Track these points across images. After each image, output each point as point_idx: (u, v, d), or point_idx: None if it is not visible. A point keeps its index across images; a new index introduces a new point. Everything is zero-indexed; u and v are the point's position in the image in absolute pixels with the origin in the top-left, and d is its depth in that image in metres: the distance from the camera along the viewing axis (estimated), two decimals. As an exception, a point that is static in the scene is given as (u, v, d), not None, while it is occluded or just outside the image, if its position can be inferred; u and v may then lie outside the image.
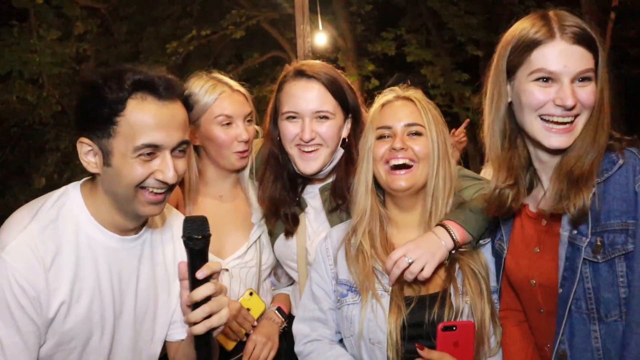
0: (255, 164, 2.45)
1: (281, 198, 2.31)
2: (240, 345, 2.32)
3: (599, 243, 1.56)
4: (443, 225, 1.92)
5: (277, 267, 2.51)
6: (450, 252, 1.92)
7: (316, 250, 2.15)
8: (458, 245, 1.91)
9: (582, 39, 1.58)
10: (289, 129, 2.22)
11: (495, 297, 1.95)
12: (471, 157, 10.73)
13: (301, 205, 2.34)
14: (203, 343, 1.61)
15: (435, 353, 1.80)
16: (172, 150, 1.69)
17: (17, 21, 10.21)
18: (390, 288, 1.90)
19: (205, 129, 2.29)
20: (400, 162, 1.93)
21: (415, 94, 2.05)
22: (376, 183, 2.02)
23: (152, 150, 1.65)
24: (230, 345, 2.28)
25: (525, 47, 1.63)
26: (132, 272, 1.82)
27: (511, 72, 1.68)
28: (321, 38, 9.61)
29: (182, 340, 1.94)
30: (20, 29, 10.14)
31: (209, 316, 1.57)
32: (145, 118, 1.63)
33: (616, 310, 1.56)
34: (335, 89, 2.22)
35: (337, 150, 2.27)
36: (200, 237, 1.55)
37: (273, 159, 2.33)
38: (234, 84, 2.37)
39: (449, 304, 1.85)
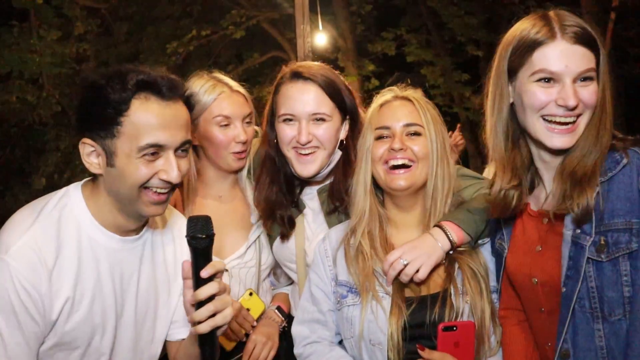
0: (253, 164, 2.44)
1: (277, 201, 2.29)
2: (240, 346, 2.32)
3: (602, 242, 1.56)
4: (440, 227, 1.92)
5: (276, 267, 2.51)
6: (447, 253, 1.92)
7: (315, 251, 2.14)
8: (455, 246, 1.91)
9: (583, 39, 1.58)
10: (286, 132, 2.20)
11: (495, 296, 1.95)
12: (471, 157, 10.74)
13: (299, 207, 2.33)
14: (207, 342, 1.62)
15: (436, 353, 1.80)
16: (176, 150, 1.69)
17: (17, 21, 10.22)
18: (391, 289, 1.90)
19: (204, 128, 2.29)
20: (400, 162, 1.93)
21: (414, 93, 2.04)
22: (375, 183, 2.02)
23: (156, 150, 1.65)
24: (229, 346, 2.28)
25: (526, 48, 1.62)
26: (133, 272, 1.82)
27: (512, 73, 1.68)
28: (321, 38, 9.61)
29: (183, 339, 1.94)
30: (21, 29, 10.16)
31: (213, 315, 1.58)
32: (149, 118, 1.63)
33: (620, 309, 1.56)
34: (332, 91, 2.20)
35: (334, 152, 2.26)
36: (204, 236, 1.57)
37: (269, 162, 2.31)
38: (234, 85, 2.36)
39: (449, 303, 1.85)
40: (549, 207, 1.69)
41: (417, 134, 1.96)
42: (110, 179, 1.68)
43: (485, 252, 2.00)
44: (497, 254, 1.91)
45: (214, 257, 1.64)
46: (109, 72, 1.66)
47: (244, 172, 2.45)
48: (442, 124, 2.02)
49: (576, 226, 1.61)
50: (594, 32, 1.61)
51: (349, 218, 2.11)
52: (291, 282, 2.49)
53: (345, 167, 2.23)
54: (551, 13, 1.64)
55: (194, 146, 2.34)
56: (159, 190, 1.69)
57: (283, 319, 2.41)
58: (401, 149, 1.92)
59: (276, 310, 2.43)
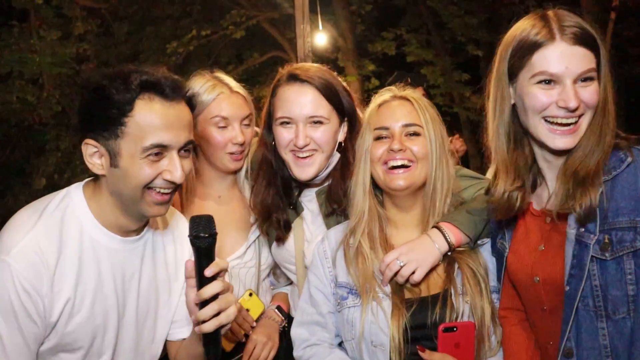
0: (252, 165, 2.43)
1: (273, 204, 2.28)
2: (239, 346, 2.32)
3: (607, 240, 1.56)
4: (438, 228, 1.92)
5: (276, 266, 2.51)
6: (445, 255, 1.92)
7: (313, 252, 2.13)
8: (453, 248, 1.91)
9: (582, 39, 1.58)
10: (283, 135, 2.19)
11: (495, 296, 1.95)
12: (471, 157, 10.72)
13: (297, 209, 2.32)
14: (211, 341, 1.63)
15: (437, 355, 1.80)
16: (179, 150, 1.69)
17: (17, 21, 10.22)
18: (391, 291, 1.89)
19: (201, 128, 2.28)
20: (399, 163, 1.92)
21: (412, 93, 2.03)
22: (374, 183, 2.02)
23: (160, 150, 1.65)
24: (229, 346, 2.28)
25: (526, 50, 1.62)
26: (134, 272, 1.82)
27: (513, 75, 1.68)
28: (321, 38, 9.60)
29: (184, 339, 1.94)
30: (21, 29, 10.15)
31: (217, 314, 1.59)
32: (153, 119, 1.63)
33: (624, 307, 1.56)
34: (330, 93, 2.18)
35: (333, 154, 2.25)
36: (207, 235, 1.58)
37: (266, 165, 2.30)
38: (234, 85, 2.36)
39: (450, 304, 1.85)
40: (552, 207, 1.69)
41: (416, 134, 1.95)
42: (114, 179, 1.68)
43: (485, 252, 2.00)
44: (498, 253, 1.91)
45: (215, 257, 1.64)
46: (111, 73, 1.66)
47: (243, 172, 2.45)
48: (441, 123, 2.01)
49: (580, 225, 1.61)
50: (594, 31, 1.61)
51: (347, 219, 2.11)
52: (291, 282, 2.49)
53: (344, 169, 2.22)
54: (550, 13, 1.64)
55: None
56: (162, 191, 1.70)
57: (283, 318, 2.41)
58: (400, 150, 1.91)
59: (276, 310, 2.43)
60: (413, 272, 1.86)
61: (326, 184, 2.30)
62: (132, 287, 1.82)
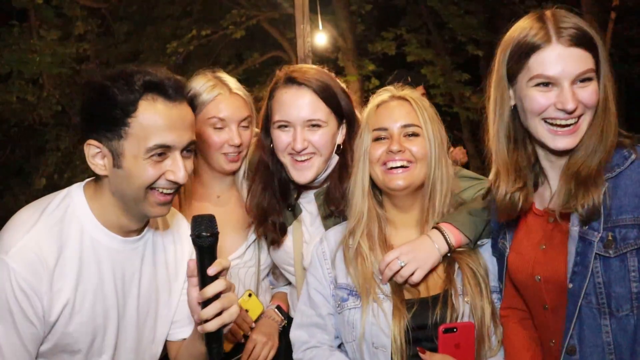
0: (249, 166, 2.43)
1: (269, 207, 2.27)
2: (238, 347, 2.32)
3: (610, 238, 1.57)
4: (438, 229, 1.92)
5: (275, 266, 2.50)
6: (445, 255, 1.92)
7: (312, 253, 2.12)
8: (453, 249, 1.91)
9: (579, 40, 1.58)
10: (281, 138, 2.17)
11: (495, 296, 1.95)
12: (471, 157, 10.72)
13: (295, 212, 2.31)
14: (214, 340, 1.64)
15: (437, 356, 1.80)
16: (182, 151, 1.70)
17: (17, 21, 10.21)
18: (391, 292, 1.89)
19: (199, 128, 2.28)
20: (398, 164, 1.92)
21: (411, 93, 2.02)
22: (373, 183, 2.01)
23: (163, 150, 1.66)
24: (227, 347, 2.28)
25: (523, 53, 1.63)
26: (134, 272, 1.82)
27: (512, 77, 1.68)
28: (321, 38, 9.59)
29: (184, 339, 1.94)
30: (21, 29, 10.14)
31: (220, 313, 1.59)
32: (156, 119, 1.64)
33: (628, 304, 1.56)
34: (328, 96, 2.16)
35: (331, 157, 2.23)
36: (209, 234, 1.59)
37: (263, 168, 2.29)
38: (235, 87, 2.34)
39: (450, 304, 1.85)
40: (555, 207, 1.70)
41: (415, 134, 1.95)
42: (117, 180, 1.68)
43: (485, 252, 2.00)
44: (500, 253, 1.91)
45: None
46: (114, 73, 1.67)
47: (241, 173, 2.44)
48: (439, 123, 2.01)
49: (583, 223, 1.62)
50: (592, 31, 1.61)
51: (346, 220, 2.10)
52: (290, 282, 2.49)
53: (342, 171, 2.21)
54: (548, 13, 1.64)
55: None
56: (165, 191, 1.70)
57: (282, 318, 2.41)
58: (399, 151, 1.91)
59: (276, 310, 2.43)
60: (412, 273, 1.86)
61: (325, 185, 2.29)
62: (132, 287, 1.82)
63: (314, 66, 2.29)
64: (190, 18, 11.39)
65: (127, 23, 11.64)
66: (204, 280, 1.60)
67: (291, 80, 2.16)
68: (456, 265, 1.94)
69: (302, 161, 2.17)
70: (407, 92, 2.03)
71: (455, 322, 1.84)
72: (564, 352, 1.66)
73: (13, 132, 11.24)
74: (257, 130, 2.42)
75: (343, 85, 2.29)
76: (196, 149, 2.36)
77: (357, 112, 2.26)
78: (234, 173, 2.44)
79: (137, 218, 1.78)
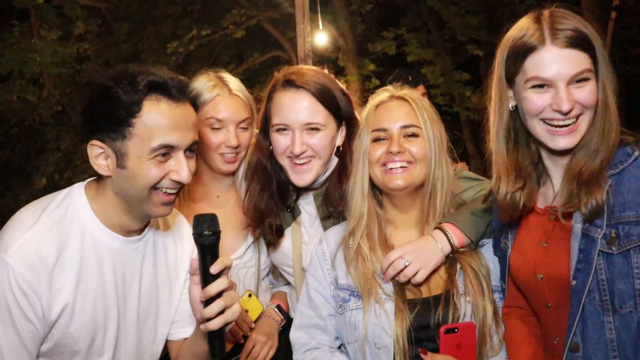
0: (249, 166, 2.41)
1: (267, 208, 2.26)
2: (237, 347, 2.32)
3: (613, 235, 1.57)
4: (441, 229, 1.92)
5: (275, 266, 2.50)
6: (447, 256, 1.92)
7: (311, 254, 2.11)
8: (455, 249, 1.91)
9: (574, 41, 1.59)
10: (280, 141, 2.16)
11: (496, 295, 1.95)
12: (471, 157, 10.72)
13: (294, 213, 2.31)
14: (216, 338, 1.65)
15: (439, 356, 1.80)
16: (185, 151, 1.70)
17: (18, 21, 10.21)
18: (393, 292, 1.89)
19: (198, 127, 2.27)
20: (398, 165, 1.91)
21: (410, 93, 2.01)
22: (372, 183, 2.00)
23: (167, 150, 1.66)
24: (227, 347, 2.28)
25: (519, 55, 1.64)
26: (135, 272, 1.82)
27: (510, 79, 1.70)
28: (321, 38, 9.58)
29: (185, 339, 1.95)
30: (21, 28, 10.14)
31: (222, 311, 1.60)
32: (160, 119, 1.64)
33: (631, 301, 1.57)
34: (326, 98, 2.14)
35: (331, 159, 2.22)
36: (211, 233, 1.60)
37: (261, 169, 2.28)
38: (235, 87, 2.33)
39: (452, 304, 1.85)
40: (557, 204, 1.71)
41: (414, 135, 1.94)
42: (121, 180, 1.69)
43: (486, 252, 2.00)
44: (502, 253, 1.91)
45: None
46: (116, 74, 1.67)
47: (240, 173, 2.44)
48: (439, 122, 2.00)
49: (586, 222, 1.62)
50: (590, 31, 1.61)
51: (345, 221, 2.09)
52: (289, 282, 2.49)
53: (341, 173, 2.20)
54: (545, 13, 1.65)
55: None
56: (168, 191, 1.71)
57: (282, 317, 2.41)
58: (399, 152, 1.90)
59: (276, 309, 2.43)
60: (416, 273, 1.86)
61: (324, 187, 2.28)
62: (133, 287, 1.82)
63: (312, 67, 2.27)
64: (190, 18, 11.39)
65: (127, 23, 11.63)
66: (206, 278, 1.61)
67: (289, 83, 2.14)
68: (458, 265, 1.93)
69: (301, 164, 2.16)
70: (407, 92, 2.02)
71: (457, 322, 1.84)
72: (567, 349, 1.66)
73: (13, 132, 11.24)
74: (257, 131, 2.42)
75: (343, 86, 2.27)
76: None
77: (356, 113, 2.24)
78: (233, 174, 2.43)
79: (139, 218, 1.78)
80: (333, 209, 2.19)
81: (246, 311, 2.32)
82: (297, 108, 2.12)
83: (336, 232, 2.10)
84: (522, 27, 1.66)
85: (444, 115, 2.11)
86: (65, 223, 1.71)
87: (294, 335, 2.08)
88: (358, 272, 1.94)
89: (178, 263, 1.95)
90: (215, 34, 11.16)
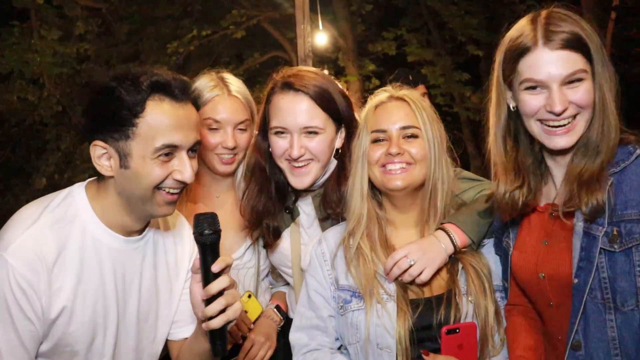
0: (248, 167, 2.40)
1: (265, 210, 2.25)
2: (236, 348, 2.31)
3: (615, 233, 1.58)
4: (444, 229, 1.92)
5: (274, 266, 2.49)
6: (450, 256, 1.92)
7: (311, 254, 2.10)
8: (458, 250, 1.91)
9: (567, 43, 1.60)
10: (278, 144, 2.15)
11: (497, 295, 1.95)
12: (472, 157, 10.72)
13: (293, 214, 2.30)
14: (218, 337, 1.65)
15: (441, 357, 1.80)
16: (188, 150, 1.71)
17: (18, 21, 10.21)
18: (394, 291, 1.89)
19: None
20: (397, 166, 1.91)
21: (409, 93, 2.00)
22: (372, 183, 2.00)
23: (171, 150, 1.67)
24: None
25: (514, 57, 1.66)
26: (135, 272, 1.83)
27: (507, 79, 1.71)
28: (322, 38, 9.59)
29: (186, 338, 1.95)
30: (21, 29, 10.15)
31: (224, 310, 1.61)
32: (163, 119, 1.65)
33: (633, 299, 1.57)
34: (325, 101, 2.12)
35: (330, 162, 2.21)
36: (211, 231, 1.60)
37: (259, 171, 2.26)
38: (235, 89, 2.32)
39: (455, 304, 1.85)
40: (559, 203, 1.71)
41: (414, 136, 1.93)
42: (124, 180, 1.69)
43: (486, 252, 2.00)
44: (504, 252, 1.92)
45: None
46: (119, 74, 1.68)
47: (239, 174, 2.43)
48: (439, 122, 1.99)
49: (587, 222, 1.63)
50: (585, 31, 1.62)
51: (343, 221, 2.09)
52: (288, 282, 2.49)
53: (340, 175, 2.18)
54: (542, 14, 1.66)
55: None
56: (171, 191, 1.71)
57: (281, 318, 2.41)
58: (398, 154, 1.90)
59: (275, 310, 2.42)
60: (420, 272, 1.86)
61: (323, 188, 2.27)
62: (133, 286, 1.82)
63: (312, 69, 2.25)
64: (190, 18, 11.39)
65: (127, 23, 11.64)
66: (207, 277, 1.61)
67: (288, 86, 2.12)
68: (459, 265, 1.93)
69: (299, 167, 2.14)
70: (406, 92, 2.01)
71: (458, 322, 1.84)
72: (569, 347, 1.67)
73: (14, 132, 11.25)
74: (256, 132, 2.42)
75: (342, 87, 2.25)
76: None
77: (356, 114, 2.23)
78: (231, 174, 2.43)
79: (141, 218, 1.78)
80: (331, 211, 2.18)
81: (245, 312, 2.32)
82: (296, 111, 2.10)
83: (335, 232, 2.09)
84: (518, 28, 1.68)
85: (444, 115, 2.11)
86: (66, 222, 1.71)
87: (294, 336, 2.06)
88: (359, 272, 1.93)
89: (178, 263, 1.96)
90: (215, 34, 11.17)
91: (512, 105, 1.74)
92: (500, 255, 1.97)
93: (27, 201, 1.84)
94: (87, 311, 1.72)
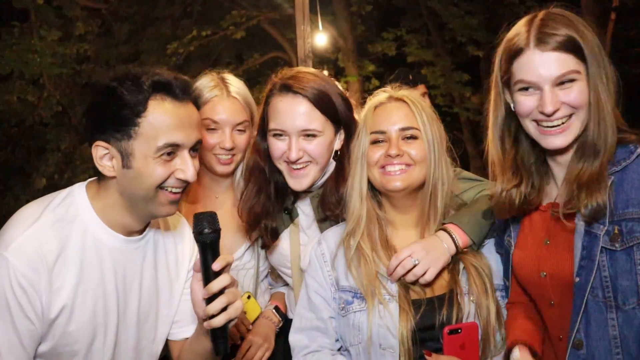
0: (247, 167, 2.39)
1: (263, 211, 2.24)
2: (234, 349, 2.31)
3: (616, 231, 1.58)
4: (446, 230, 1.92)
5: (273, 267, 2.49)
6: (452, 257, 1.92)
7: (310, 255, 2.09)
8: (459, 250, 1.91)
9: (559, 45, 1.61)
10: (277, 146, 2.14)
11: (498, 294, 1.95)
12: (472, 158, 10.72)
13: (292, 215, 2.30)
14: (220, 335, 1.66)
15: (443, 357, 1.80)
16: (189, 150, 1.72)
17: (18, 21, 10.20)
18: (396, 292, 1.88)
19: None
20: (397, 168, 1.91)
21: (409, 94, 2.00)
22: (371, 184, 1.99)
23: (173, 149, 1.68)
24: None
25: (508, 58, 1.69)
26: (136, 272, 1.83)
27: (505, 80, 1.73)
28: (321, 38, 9.59)
29: (186, 338, 1.95)
30: (21, 29, 10.14)
31: (225, 308, 1.61)
32: (165, 119, 1.65)
33: (634, 298, 1.57)
34: (324, 104, 2.11)
35: (329, 163, 2.21)
36: (211, 230, 1.61)
37: (258, 171, 2.25)
38: (234, 90, 2.32)
39: (457, 304, 1.85)
40: (560, 202, 1.72)
41: (413, 137, 1.93)
42: (126, 180, 1.69)
43: (486, 251, 2.00)
44: (505, 251, 1.92)
45: None
46: (120, 75, 1.68)
47: (238, 174, 2.43)
48: (438, 122, 1.99)
49: (587, 223, 1.63)
50: (578, 32, 1.63)
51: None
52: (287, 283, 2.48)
53: (338, 176, 2.18)
54: (539, 16, 1.68)
55: None
56: (174, 190, 1.72)
57: (280, 319, 2.41)
58: (398, 155, 1.90)
59: (273, 310, 2.42)
60: (424, 272, 1.86)
61: (321, 189, 2.26)
62: (133, 286, 1.82)
63: (311, 71, 2.23)
64: (190, 19, 11.40)
65: (127, 24, 11.64)
66: (208, 276, 1.62)
67: (286, 88, 2.11)
68: (460, 265, 1.93)
69: (298, 169, 2.14)
70: (405, 93, 2.01)
71: (460, 322, 1.84)
72: (570, 346, 1.67)
73: (14, 132, 11.24)
74: (256, 133, 2.41)
75: (342, 88, 2.24)
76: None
77: (356, 115, 2.22)
78: (230, 175, 2.42)
79: (143, 218, 1.79)
80: (330, 213, 2.18)
81: (244, 313, 2.32)
82: (294, 114, 2.09)
83: (335, 232, 2.09)
84: (515, 29, 1.70)
85: (443, 116, 2.12)
86: (67, 222, 1.71)
87: (294, 338, 2.05)
88: (360, 272, 1.93)
89: (179, 263, 1.96)
90: (215, 35, 11.17)
91: (513, 105, 1.75)
92: (501, 254, 1.97)
93: (27, 201, 1.85)
94: (87, 311, 1.72)
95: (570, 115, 1.64)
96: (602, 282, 1.60)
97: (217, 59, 11.50)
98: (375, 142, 1.95)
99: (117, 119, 1.65)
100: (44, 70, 10.04)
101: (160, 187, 1.69)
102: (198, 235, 1.62)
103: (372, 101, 2.03)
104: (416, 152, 1.92)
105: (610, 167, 1.63)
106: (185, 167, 1.70)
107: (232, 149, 2.30)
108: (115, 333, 1.80)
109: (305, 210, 2.30)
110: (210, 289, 1.61)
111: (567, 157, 1.71)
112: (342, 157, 2.20)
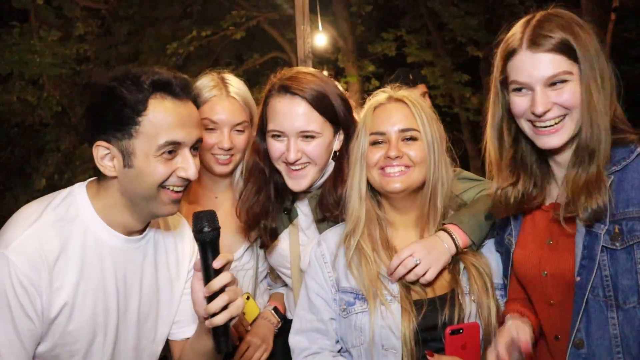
0: (246, 167, 2.39)
1: (262, 211, 2.24)
2: (234, 349, 2.31)
3: (617, 231, 1.59)
4: (446, 230, 1.92)
5: (272, 268, 2.49)
6: (452, 257, 1.92)
7: (310, 256, 2.09)
8: (460, 250, 1.92)
9: (551, 46, 1.62)
10: (275, 147, 2.14)
11: (498, 293, 1.95)
12: (471, 158, 10.73)
13: (291, 215, 2.29)
14: (221, 333, 1.66)
15: (445, 357, 1.80)
16: (190, 148, 1.72)
17: (18, 22, 10.20)
18: (398, 292, 1.88)
19: None
20: (396, 169, 1.91)
21: (409, 94, 1.99)
22: (370, 185, 1.99)
23: (174, 148, 1.68)
24: None
25: (504, 59, 1.71)
26: (136, 272, 1.83)
27: (502, 82, 1.75)
28: (321, 39, 9.59)
29: (187, 338, 1.95)
30: (21, 29, 10.14)
31: (226, 306, 1.62)
32: (166, 117, 1.66)
33: (635, 297, 1.58)
34: (323, 105, 2.10)
35: (328, 164, 2.20)
36: (211, 229, 1.62)
37: (257, 172, 2.25)
38: (234, 90, 2.31)
39: (458, 304, 1.85)
40: (561, 202, 1.72)
41: (413, 138, 1.93)
42: (127, 180, 1.69)
43: (486, 251, 2.00)
44: (505, 249, 1.92)
45: None
46: (119, 74, 1.68)
47: (238, 174, 2.42)
48: (438, 122, 1.99)
49: (587, 225, 1.64)
50: (572, 33, 1.63)
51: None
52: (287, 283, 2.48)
53: (337, 177, 2.17)
54: (536, 16, 1.69)
55: None
56: (175, 189, 1.72)
57: (279, 320, 2.41)
58: (397, 157, 1.89)
59: (272, 311, 2.42)
60: (425, 272, 1.86)
61: (320, 190, 2.26)
62: (134, 286, 1.82)
63: (310, 71, 2.22)
64: (190, 19, 11.40)
65: (127, 24, 11.65)
66: (209, 274, 1.62)
67: (285, 89, 2.10)
68: (461, 265, 1.93)
69: (296, 170, 2.14)
70: (405, 93, 2.00)
71: (462, 322, 1.84)
72: (570, 346, 1.67)
73: (13, 132, 11.24)
74: (255, 133, 2.41)
75: (342, 89, 2.23)
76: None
77: (355, 116, 2.21)
78: (229, 175, 2.42)
79: (144, 218, 1.79)
80: (329, 214, 2.17)
81: (243, 313, 2.31)
82: (292, 115, 2.08)
83: (335, 233, 2.08)
84: (512, 30, 1.72)
85: (443, 116, 2.12)
86: (67, 221, 1.71)
87: (294, 339, 2.04)
88: (361, 273, 1.92)
89: (179, 263, 1.96)
90: (215, 35, 11.17)
91: (508, 105, 1.76)
92: (500, 253, 1.97)
93: (27, 201, 1.85)
94: (87, 310, 1.72)
95: (564, 116, 1.65)
96: (602, 281, 1.60)
97: (217, 59, 11.50)
98: (374, 143, 1.95)
99: (117, 119, 1.65)
100: (43, 71, 10.04)
101: (162, 185, 1.69)
102: (198, 234, 1.62)
103: (371, 102, 2.02)
104: (416, 154, 1.91)
105: (610, 167, 1.63)
106: (187, 165, 1.70)
107: (230, 149, 2.29)
108: (115, 333, 1.80)
109: (304, 210, 2.29)
110: (211, 287, 1.61)
111: (566, 156, 1.72)
112: (341, 158, 2.20)
